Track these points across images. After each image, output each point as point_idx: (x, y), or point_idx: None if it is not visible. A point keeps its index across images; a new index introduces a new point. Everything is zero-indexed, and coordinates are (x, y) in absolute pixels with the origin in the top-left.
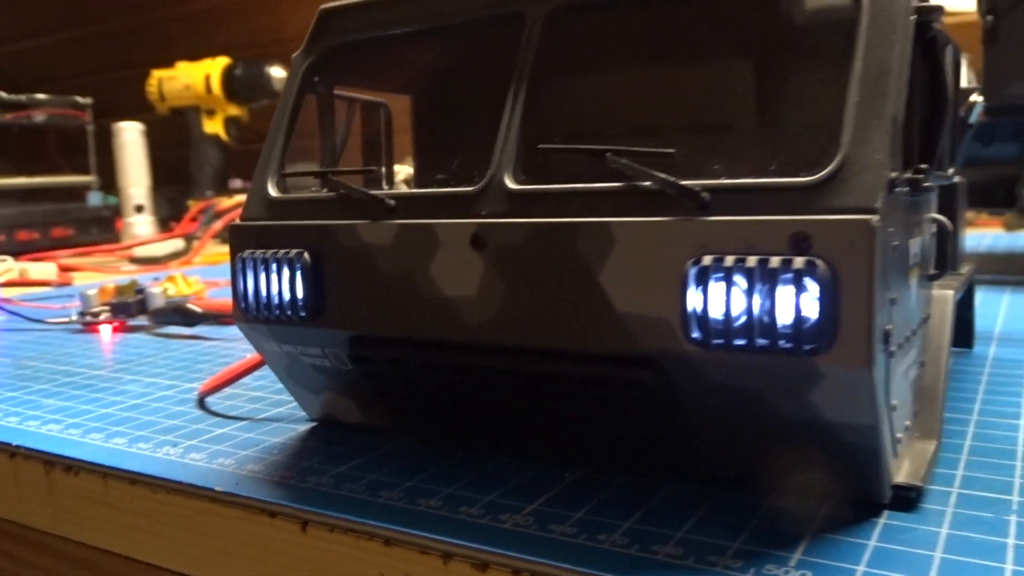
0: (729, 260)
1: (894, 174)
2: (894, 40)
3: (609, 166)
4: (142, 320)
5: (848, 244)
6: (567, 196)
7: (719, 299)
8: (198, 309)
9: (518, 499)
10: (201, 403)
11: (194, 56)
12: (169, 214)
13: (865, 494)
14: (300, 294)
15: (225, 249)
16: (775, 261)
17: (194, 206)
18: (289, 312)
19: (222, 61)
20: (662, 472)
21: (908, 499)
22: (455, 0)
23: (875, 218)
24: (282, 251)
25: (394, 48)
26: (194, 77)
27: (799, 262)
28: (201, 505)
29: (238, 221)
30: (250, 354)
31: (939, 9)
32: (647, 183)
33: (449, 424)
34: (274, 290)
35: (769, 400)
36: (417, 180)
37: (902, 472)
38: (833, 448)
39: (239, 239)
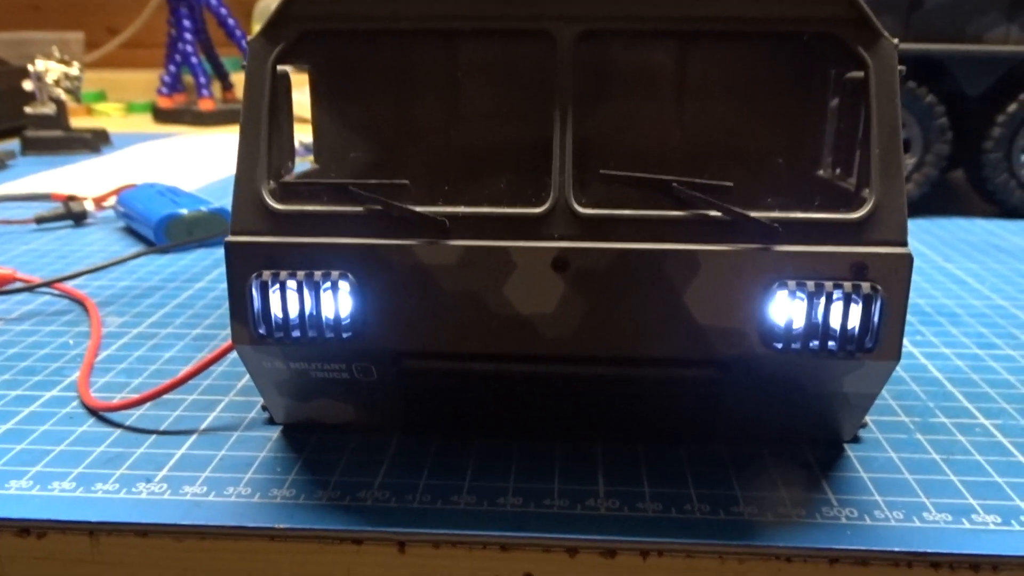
0: (811, 285)
1: None
2: (897, 102)
3: (676, 196)
4: None
5: (894, 271)
6: (638, 222)
7: (800, 314)
8: None
9: (584, 483)
10: (101, 419)
11: None
12: None
13: (838, 437)
14: (343, 315)
15: None
16: (848, 286)
17: None
18: (330, 334)
19: None
20: (676, 440)
21: (858, 436)
22: (470, 5)
23: (909, 250)
24: (318, 272)
25: (375, 43)
26: None
27: (866, 287)
28: (256, 545)
29: (232, 237)
30: None
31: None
32: (718, 214)
33: (479, 421)
34: (310, 313)
35: (805, 383)
36: (321, 166)
37: None
38: (835, 409)
39: (242, 258)
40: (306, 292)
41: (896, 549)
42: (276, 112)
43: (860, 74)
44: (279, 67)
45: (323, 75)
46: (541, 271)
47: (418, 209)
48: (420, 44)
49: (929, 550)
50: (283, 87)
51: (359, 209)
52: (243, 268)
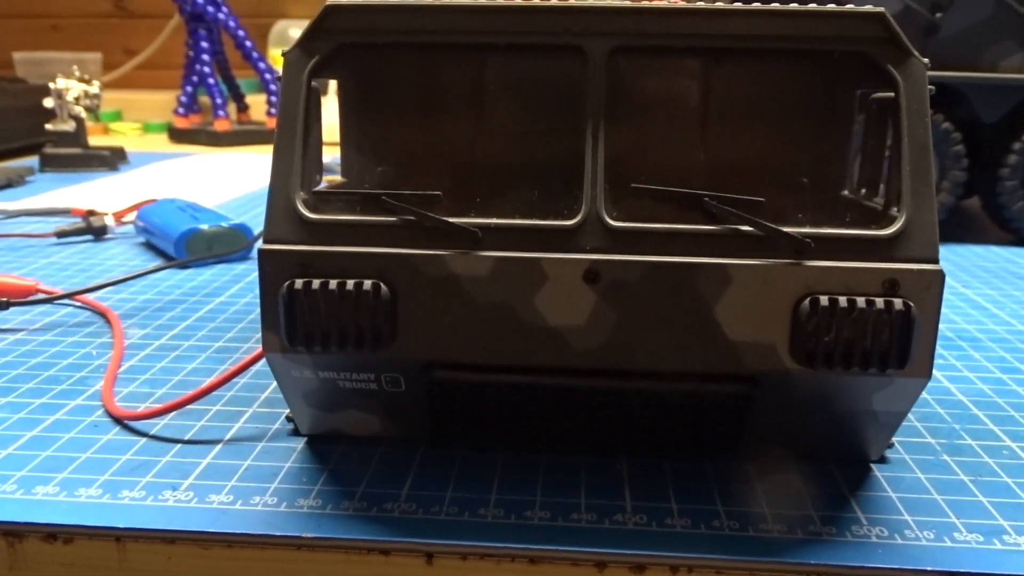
0: (843, 300)
1: None
2: (927, 121)
3: (708, 210)
4: None
5: (926, 288)
6: (669, 235)
7: (831, 330)
8: None
9: (611, 498)
10: (126, 428)
11: None
12: None
13: (864, 456)
14: (374, 324)
15: None
16: (880, 302)
17: None
18: (362, 343)
19: None
20: (703, 456)
21: (884, 457)
22: (500, 20)
23: (941, 267)
24: (351, 281)
25: (408, 56)
26: None
27: (899, 303)
28: (282, 555)
29: (265, 245)
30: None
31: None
32: (749, 228)
33: (506, 433)
34: (341, 321)
35: (835, 400)
36: (350, 180)
37: None
38: (864, 427)
39: (275, 266)
40: (340, 302)
41: (929, 568)
42: (309, 125)
43: (888, 94)
44: (313, 81)
45: (355, 89)
46: (572, 283)
47: (451, 220)
48: (452, 58)
49: (962, 570)
50: (315, 102)
51: (392, 219)
52: (276, 276)
